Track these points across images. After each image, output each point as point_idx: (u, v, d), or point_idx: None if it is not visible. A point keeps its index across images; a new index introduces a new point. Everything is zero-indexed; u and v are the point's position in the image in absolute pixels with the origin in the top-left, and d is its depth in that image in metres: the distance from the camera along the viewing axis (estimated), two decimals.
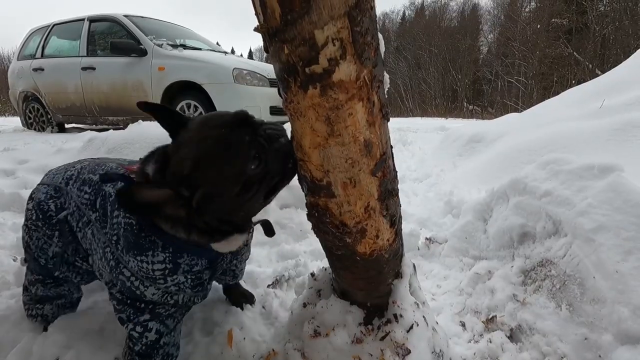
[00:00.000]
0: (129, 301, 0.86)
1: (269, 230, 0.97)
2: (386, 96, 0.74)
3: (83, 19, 5.56)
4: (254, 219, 0.90)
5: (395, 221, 0.88)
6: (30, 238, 0.99)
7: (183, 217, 0.74)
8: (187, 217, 0.74)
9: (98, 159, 1.08)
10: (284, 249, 1.71)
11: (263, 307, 1.35)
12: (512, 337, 1.15)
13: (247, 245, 1.06)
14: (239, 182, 0.72)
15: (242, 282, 1.38)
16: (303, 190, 0.83)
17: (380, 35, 0.67)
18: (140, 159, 0.84)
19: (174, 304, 0.87)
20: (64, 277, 1.03)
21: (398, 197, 0.88)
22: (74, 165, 1.02)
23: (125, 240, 0.80)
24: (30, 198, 1.01)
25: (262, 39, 0.65)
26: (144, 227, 0.79)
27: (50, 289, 1.06)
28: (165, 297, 0.85)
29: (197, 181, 0.71)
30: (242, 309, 1.24)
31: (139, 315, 0.86)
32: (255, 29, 0.63)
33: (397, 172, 0.86)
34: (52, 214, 0.95)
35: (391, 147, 0.82)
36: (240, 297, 1.28)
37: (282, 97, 0.69)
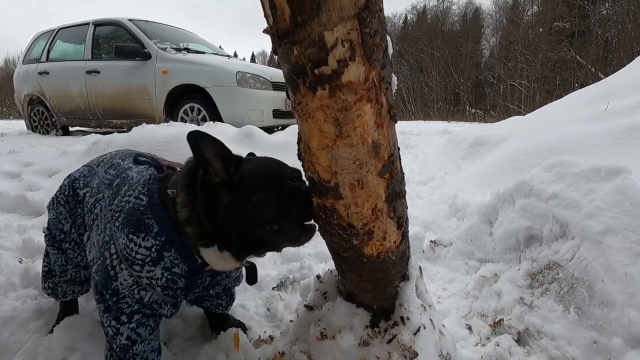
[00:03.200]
0: (101, 290, 0.85)
1: (251, 276, 0.97)
2: (394, 98, 0.74)
3: (88, 23, 5.62)
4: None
5: (402, 223, 0.87)
6: (51, 210, 1.08)
7: (205, 195, 0.80)
8: (205, 198, 0.80)
9: (134, 150, 1.17)
10: (288, 252, 1.71)
11: (268, 309, 1.34)
12: (520, 340, 1.14)
13: (228, 276, 1.07)
14: (274, 189, 0.80)
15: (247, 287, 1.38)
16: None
17: (388, 37, 0.67)
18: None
19: (139, 300, 0.84)
20: (68, 253, 1.08)
21: (405, 199, 0.87)
22: (111, 153, 1.14)
23: (127, 217, 0.83)
24: (68, 176, 1.11)
25: (270, 41, 0.66)
26: (150, 208, 0.82)
27: (63, 255, 1.11)
28: (133, 289, 0.83)
29: (245, 176, 0.80)
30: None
31: (112, 311, 0.85)
32: (265, 31, 0.63)
33: (404, 173, 0.85)
34: (79, 191, 1.04)
35: (398, 148, 0.82)
36: (229, 329, 1.17)
37: (290, 99, 0.69)
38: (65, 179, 1.11)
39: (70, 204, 1.05)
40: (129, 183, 0.91)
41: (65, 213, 1.05)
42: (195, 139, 0.75)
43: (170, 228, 0.82)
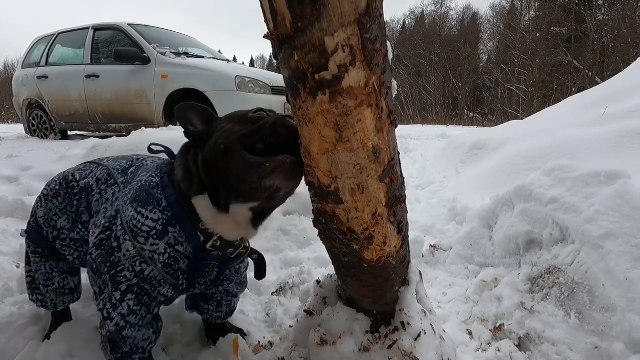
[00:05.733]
0: (99, 265, 0.86)
1: (260, 271, 0.98)
2: (394, 102, 0.75)
3: (87, 28, 5.63)
4: (251, 243, 0.95)
5: (402, 228, 0.87)
6: (40, 207, 1.05)
7: (195, 154, 0.85)
8: (195, 155, 0.85)
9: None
10: (287, 256, 1.70)
11: (267, 315, 1.33)
12: (521, 345, 1.13)
13: (237, 271, 1.06)
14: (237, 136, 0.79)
15: (246, 290, 1.37)
16: (310, 197, 0.83)
17: (388, 42, 0.67)
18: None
19: (139, 272, 0.83)
20: (62, 251, 1.05)
21: (405, 203, 0.87)
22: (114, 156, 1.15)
23: (137, 192, 0.88)
24: (59, 174, 1.09)
25: (271, 46, 0.66)
26: (161, 186, 0.87)
27: (47, 261, 1.08)
28: (135, 261, 0.83)
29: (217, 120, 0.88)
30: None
31: (106, 292, 0.85)
32: (265, 36, 0.64)
33: (404, 178, 0.85)
34: (74, 183, 1.02)
35: (398, 153, 0.82)
36: (228, 335, 1.16)
37: (290, 104, 0.70)
38: (54, 177, 1.09)
39: (64, 196, 1.02)
40: (144, 168, 0.96)
41: (55, 209, 1.02)
42: (182, 106, 0.89)
43: (178, 206, 0.85)
